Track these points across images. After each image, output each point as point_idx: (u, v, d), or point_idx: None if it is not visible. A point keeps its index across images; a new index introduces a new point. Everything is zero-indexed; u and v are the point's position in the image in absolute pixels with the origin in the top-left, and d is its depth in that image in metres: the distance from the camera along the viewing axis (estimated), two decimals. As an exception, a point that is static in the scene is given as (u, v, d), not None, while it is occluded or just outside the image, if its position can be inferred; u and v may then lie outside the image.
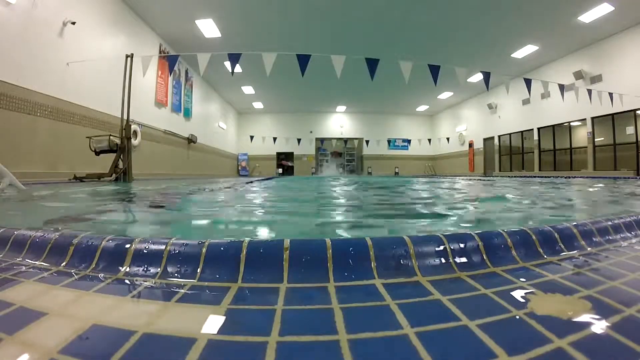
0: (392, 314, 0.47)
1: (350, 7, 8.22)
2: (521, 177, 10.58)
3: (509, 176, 11.51)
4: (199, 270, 0.63)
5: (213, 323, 0.45)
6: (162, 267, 0.65)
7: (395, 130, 20.56)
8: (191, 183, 6.20)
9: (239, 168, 19.05)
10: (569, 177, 8.90)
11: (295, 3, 8.07)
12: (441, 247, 0.69)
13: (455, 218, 1.71)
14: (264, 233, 1.39)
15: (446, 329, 0.43)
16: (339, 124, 20.43)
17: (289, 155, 20.17)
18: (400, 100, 17.27)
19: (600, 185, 4.80)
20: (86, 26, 6.46)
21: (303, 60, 6.05)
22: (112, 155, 6.16)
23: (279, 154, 19.93)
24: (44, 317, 0.46)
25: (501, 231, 0.76)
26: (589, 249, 0.82)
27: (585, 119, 10.25)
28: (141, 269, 0.65)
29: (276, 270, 0.62)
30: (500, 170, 14.74)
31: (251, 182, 7.29)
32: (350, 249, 0.66)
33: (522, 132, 13.36)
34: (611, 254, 0.78)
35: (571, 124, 10.99)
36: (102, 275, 0.64)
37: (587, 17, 8.34)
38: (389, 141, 19.91)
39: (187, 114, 11.84)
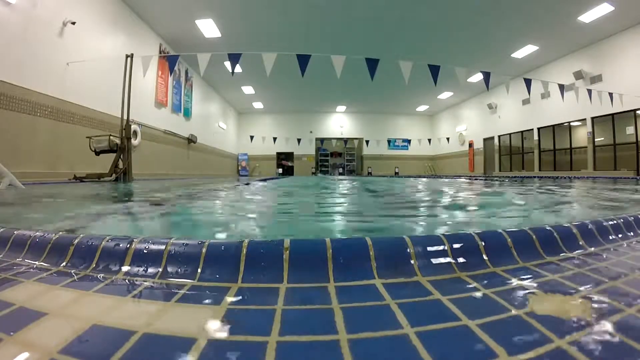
0: (392, 314, 0.47)
1: (350, 7, 8.22)
2: (522, 177, 10.59)
3: (512, 176, 11.52)
4: (199, 270, 0.63)
5: (213, 323, 0.45)
6: (162, 267, 0.65)
7: (395, 130, 20.57)
8: (207, 182, 6.21)
9: (239, 168, 19.06)
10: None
11: (295, 3, 8.07)
12: (441, 247, 0.69)
13: None
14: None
15: (446, 329, 0.43)
16: (339, 124, 20.44)
17: (289, 155, 20.17)
18: (400, 100, 17.27)
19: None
20: (86, 26, 6.46)
21: (303, 60, 6.05)
22: (112, 155, 6.17)
23: (279, 154, 19.94)
24: (44, 317, 0.46)
25: (501, 231, 0.76)
26: (589, 249, 0.82)
27: (585, 119, 10.25)
28: (141, 269, 0.65)
29: (276, 270, 0.62)
30: (500, 170, 14.74)
31: (264, 180, 7.28)
32: (350, 249, 0.66)
33: (522, 132, 13.36)
34: (611, 254, 0.78)
35: (571, 124, 10.99)
36: (102, 275, 0.64)
37: (587, 17, 8.34)
38: (388, 141, 19.91)
39: (187, 114, 11.84)
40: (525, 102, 12.80)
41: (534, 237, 0.78)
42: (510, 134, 14.15)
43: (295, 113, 19.69)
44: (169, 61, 8.30)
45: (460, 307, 0.49)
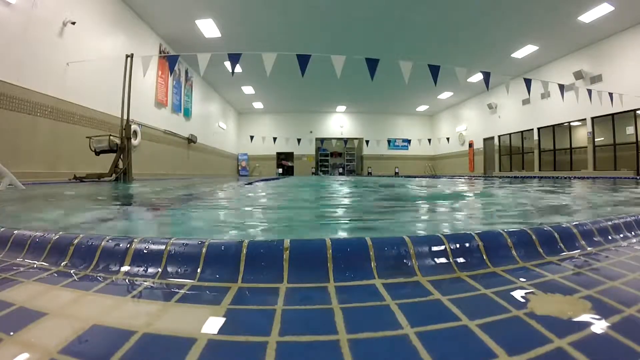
0: (392, 314, 0.47)
1: (350, 7, 8.22)
2: (522, 177, 10.59)
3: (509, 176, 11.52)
4: (199, 270, 0.63)
5: (213, 323, 0.45)
6: (162, 267, 0.65)
7: (395, 130, 20.56)
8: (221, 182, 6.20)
9: (239, 168, 19.06)
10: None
11: (295, 3, 8.07)
12: (441, 247, 0.69)
13: None
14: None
15: (446, 329, 0.43)
16: (339, 124, 20.43)
17: (289, 155, 20.17)
18: (400, 100, 17.27)
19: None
20: (86, 26, 6.46)
21: (303, 60, 6.05)
22: (112, 155, 6.17)
23: (279, 154, 19.94)
24: (44, 317, 0.46)
25: (501, 231, 0.76)
26: (589, 249, 0.82)
27: (585, 119, 10.25)
28: (141, 269, 0.65)
29: (276, 270, 0.62)
30: (500, 171, 14.74)
31: (249, 183, 7.26)
32: (350, 249, 0.66)
33: (522, 132, 13.36)
34: (611, 254, 0.78)
35: (571, 124, 10.99)
36: (102, 275, 0.64)
37: (587, 17, 8.34)
38: (389, 141, 19.91)
39: (187, 114, 11.84)
40: (525, 102, 12.80)
41: (534, 237, 0.78)
42: (510, 134, 14.15)
43: (295, 113, 19.69)
44: (169, 61, 8.30)
45: (460, 307, 0.49)
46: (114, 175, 6.09)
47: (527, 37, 9.76)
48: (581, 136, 10.65)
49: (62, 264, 0.70)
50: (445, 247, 0.69)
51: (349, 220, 1.71)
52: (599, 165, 9.97)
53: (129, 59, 6.46)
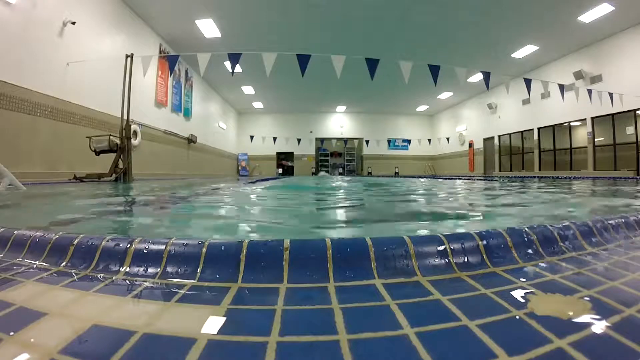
0: (392, 314, 0.47)
1: (350, 7, 8.22)
2: (522, 177, 10.59)
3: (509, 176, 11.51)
4: (199, 270, 0.63)
5: (213, 323, 0.45)
6: (162, 267, 0.65)
7: (395, 130, 20.56)
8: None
9: (239, 168, 19.06)
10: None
11: (295, 3, 8.07)
12: (441, 247, 0.69)
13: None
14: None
15: (446, 329, 0.43)
16: (339, 124, 20.43)
17: (289, 155, 20.18)
18: (400, 100, 17.27)
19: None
20: (86, 26, 6.46)
21: (303, 60, 6.05)
22: (112, 155, 6.16)
23: (279, 154, 19.94)
24: (44, 317, 0.46)
25: (501, 231, 0.76)
26: (589, 249, 0.82)
27: (585, 119, 10.25)
28: (141, 269, 0.65)
29: (276, 270, 0.62)
30: (500, 171, 14.74)
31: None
32: (350, 249, 0.66)
33: (522, 132, 13.36)
34: (611, 254, 0.78)
35: (571, 124, 10.98)
36: (102, 275, 0.64)
37: (587, 17, 8.34)
38: (388, 141, 19.91)
39: (187, 114, 11.84)
40: (525, 102, 12.80)
41: (534, 237, 0.78)
42: (510, 134, 14.14)
43: (295, 113, 19.69)
44: (169, 61, 8.30)
45: (460, 307, 0.49)
46: (114, 175, 6.09)
47: (527, 37, 9.76)
48: (581, 136, 10.64)
49: (62, 264, 0.70)
50: (445, 247, 0.69)
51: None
52: (598, 165, 9.97)
53: (129, 59, 6.45)
